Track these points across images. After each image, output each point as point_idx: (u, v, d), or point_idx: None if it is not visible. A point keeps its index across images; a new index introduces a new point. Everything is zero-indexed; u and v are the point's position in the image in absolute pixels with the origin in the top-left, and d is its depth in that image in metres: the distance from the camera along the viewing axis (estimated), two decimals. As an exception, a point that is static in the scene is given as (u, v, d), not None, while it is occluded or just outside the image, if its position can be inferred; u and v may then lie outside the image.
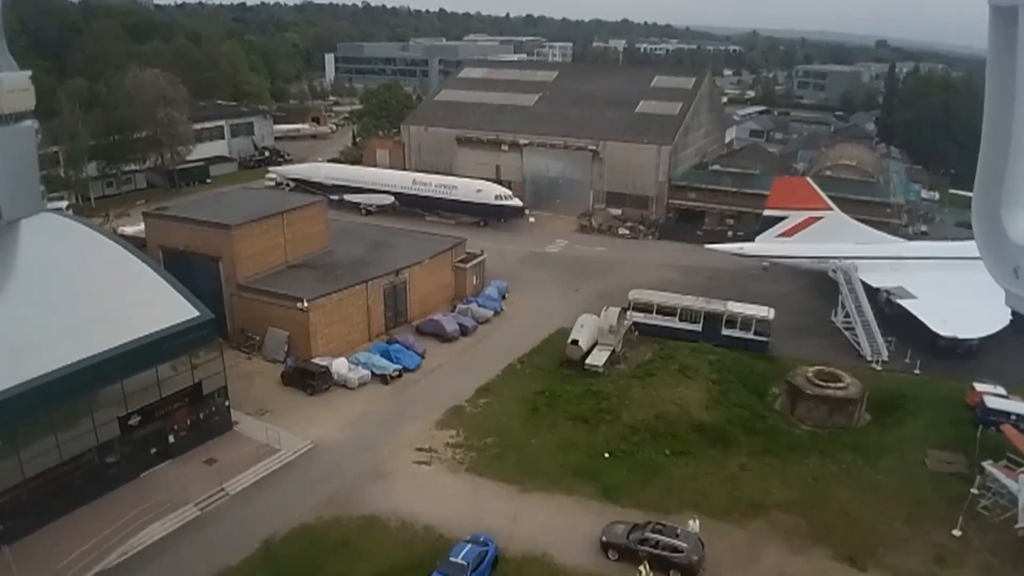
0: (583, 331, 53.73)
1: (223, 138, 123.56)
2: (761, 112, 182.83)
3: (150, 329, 40.91)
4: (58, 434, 37.84)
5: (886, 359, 56.33)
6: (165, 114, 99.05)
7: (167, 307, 42.76)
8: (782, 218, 66.73)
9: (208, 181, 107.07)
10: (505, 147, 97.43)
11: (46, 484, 37.45)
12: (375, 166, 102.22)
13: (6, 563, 33.00)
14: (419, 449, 43.44)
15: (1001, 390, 48.13)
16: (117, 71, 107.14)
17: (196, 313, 43.21)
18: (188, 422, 43.10)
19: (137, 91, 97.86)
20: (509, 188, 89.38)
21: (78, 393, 38.10)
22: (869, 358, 56.53)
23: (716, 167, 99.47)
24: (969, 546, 36.29)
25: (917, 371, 54.83)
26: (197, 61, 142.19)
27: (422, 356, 54.40)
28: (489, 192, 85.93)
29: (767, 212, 67.70)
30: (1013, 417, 44.68)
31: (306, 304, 51.93)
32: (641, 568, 32.13)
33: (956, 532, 37.01)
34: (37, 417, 36.75)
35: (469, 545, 33.63)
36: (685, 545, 33.70)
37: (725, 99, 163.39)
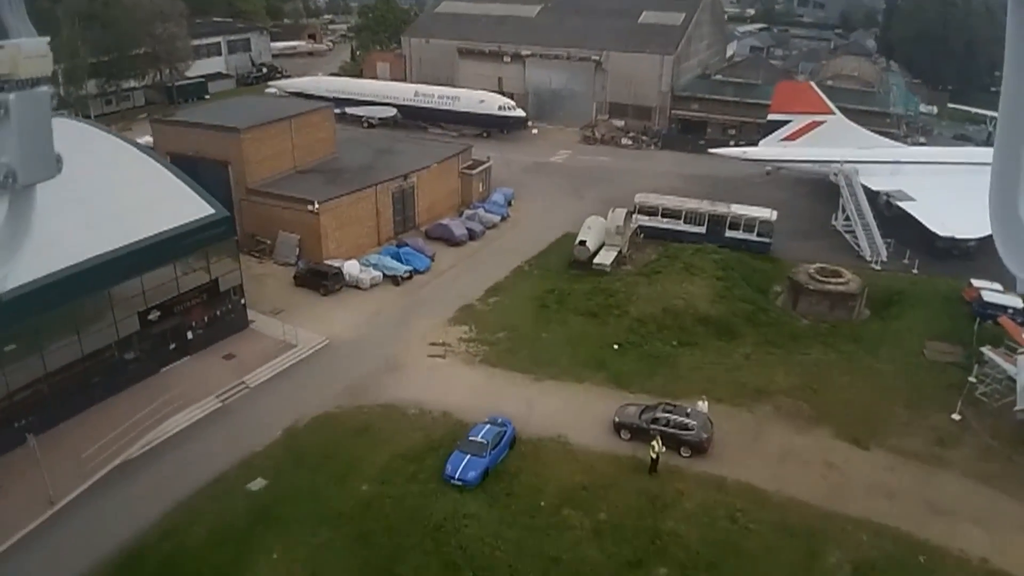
0: (590, 232, 54.39)
1: (220, 55, 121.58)
2: (761, 29, 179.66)
3: (167, 226, 41.48)
4: (79, 328, 38.67)
5: (885, 259, 57.26)
6: (164, 30, 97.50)
7: (183, 205, 43.22)
8: (785, 122, 66.88)
9: (206, 97, 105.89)
10: (507, 59, 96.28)
11: (68, 378, 38.35)
12: (375, 80, 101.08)
13: (31, 452, 34.09)
14: (433, 344, 44.50)
15: (998, 287, 49.09)
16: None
17: (211, 211, 43.72)
18: (205, 319, 44.00)
19: (135, 7, 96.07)
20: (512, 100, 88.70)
21: (98, 288, 38.82)
22: (868, 258, 57.42)
23: (719, 77, 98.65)
24: (968, 429, 37.66)
25: (915, 271, 55.76)
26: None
27: (432, 259, 55.11)
28: (492, 103, 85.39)
29: (770, 116, 67.87)
30: (1010, 311, 45.75)
31: (317, 206, 52.34)
32: (654, 443, 33.46)
33: (955, 416, 38.35)
34: (58, 311, 37.39)
35: (488, 425, 34.91)
36: (695, 423, 35.03)
37: (725, 16, 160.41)
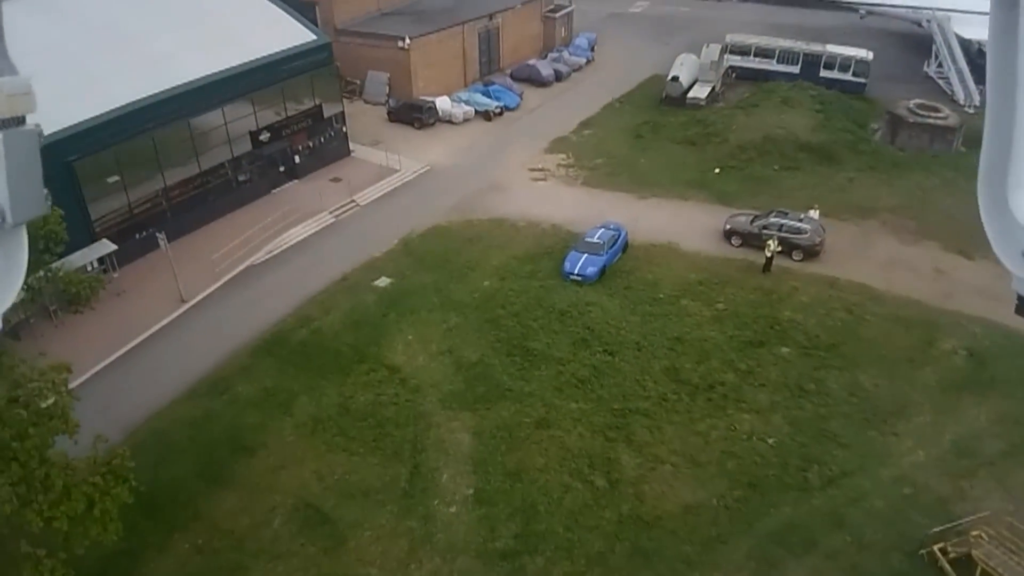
0: (683, 69, 53.69)
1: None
2: None
3: (275, 48, 42.11)
4: (196, 144, 39.97)
5: (978, 104, 55.90)
6: None
7: (286, 32, 43.74)
8: (880, -35, 64.45)
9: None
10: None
11: (185, 194, 39.99)
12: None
13: (159, 259, 35.75)
14: (532, 169, 45.15)
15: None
16: None
17: (313, 37, 44.21)
18: (311, 144, 45.05)
19: None
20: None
21: (212, 103, 39.77)
22: (962, 102, 56.10)
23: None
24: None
25: (1007, 115, 54.33)
26: None
27: (520, 97, 55.15)
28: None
29: (864, -41, 65.32)
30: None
31: (407, 42, 52.34)
32: (769, 242, 34.05)
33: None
34: (175, 125, 38.59)
35: (602, 229, 35.72)
36: (808, 227, 35.48)
37: None
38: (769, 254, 33.97)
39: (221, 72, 39.72)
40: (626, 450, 25.41)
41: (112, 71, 37.49)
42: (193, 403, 29.43)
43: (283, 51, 42.25)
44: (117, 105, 36.18)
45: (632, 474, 24.59)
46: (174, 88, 38.03)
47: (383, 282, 35.19)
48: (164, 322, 34.27)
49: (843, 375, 29.08)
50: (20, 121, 3.36)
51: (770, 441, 26.02)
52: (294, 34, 43.79)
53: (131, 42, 39.51)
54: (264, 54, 41.61)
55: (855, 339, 30.67)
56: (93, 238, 36.11)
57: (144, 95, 37.11)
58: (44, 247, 24.78)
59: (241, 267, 37.66)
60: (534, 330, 30.65)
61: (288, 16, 44.71)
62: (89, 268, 35.17)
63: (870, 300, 32.92)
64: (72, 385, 30.27)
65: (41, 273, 26.59)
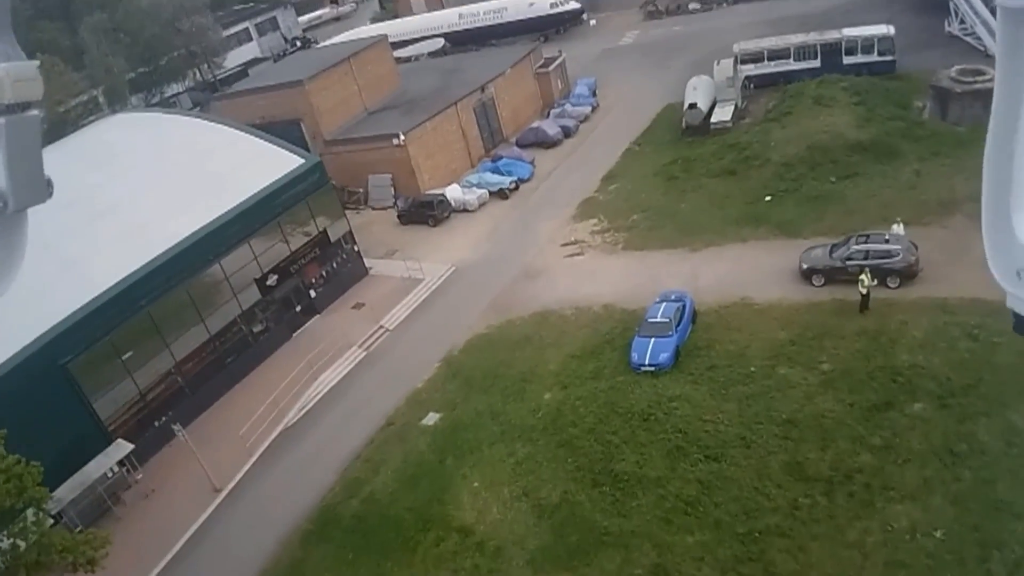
0: (698, 93, 49.27)
1: (251, 40, 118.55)
2: None
3: (260, 186, 38.62)
4: (199, 308, 36.34)
5: (1013, 52, 50.79)
6: (191, 23, 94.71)
7: (272, 161, 40.28)
8: (876, -68, 59.97)
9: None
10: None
11: (200, 364, 36.33)
12: (414, 16, 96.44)
13: (184, 444, 31.88)
14: (565, 244, 40.87)
15: None
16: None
17: (301, 160, 40.72)
18: (324, 274, 41.35)
19: (156, 9, 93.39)
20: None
21: (207, 260, 36.27)
22: None
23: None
24: None
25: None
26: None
27: (532, 164, 51.15)
28: (543, 3, 79.64)
29: (856, -71, 60.93)
30: None
31: (403, 137, 48.77)
32: (862, 277, 28.99)
33: None
34: (174, 292, 35.04)
35: (664, 303, 30.98)
36: (898, 247, 30.48)
37: None
38: (864, 290, 28.94)
39: (209, 224, 36.29)
40: (771, 589, 20.44)
41: (89, 251, 34.24)
42: (249, 619, 25.22)
43: (271, 184, 38.73)
44: (102, 290, 32.78)
45: (789, 622, 19.59)
46: (161, 255, 34.59)
47: (432, 419, 30.84)
48: (200, 521, 30.29)
49: (993, 422, 23.87)
50: (24, 107, 3.33)
51: (938, 534, 20.85)
52: (280, 162, 40.27)
53: (105, 214, 36.27)
54: (250, 193, 38.12)
55: (991, 371, 25.45)
56: (108, 440, 32.42)
57: (129, 271, 33.71)
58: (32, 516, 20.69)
59: (274, 434, 33.64)
60: (616, 446, 25.91)
61: (269, 144, 41.36)
62: (109, 474, 31.49)
63: (991, 317, 27.43)
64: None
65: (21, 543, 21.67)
